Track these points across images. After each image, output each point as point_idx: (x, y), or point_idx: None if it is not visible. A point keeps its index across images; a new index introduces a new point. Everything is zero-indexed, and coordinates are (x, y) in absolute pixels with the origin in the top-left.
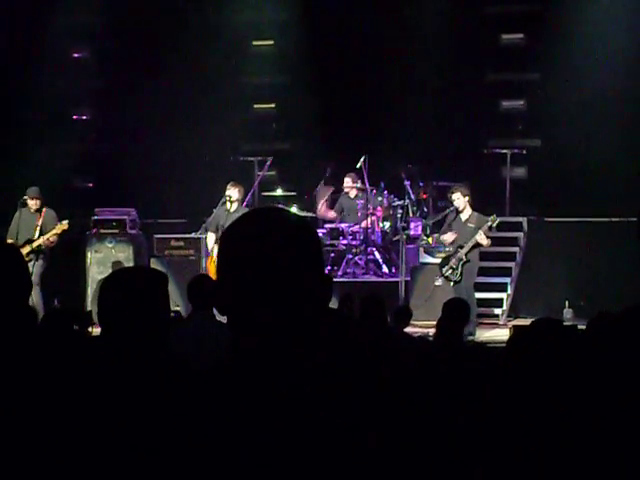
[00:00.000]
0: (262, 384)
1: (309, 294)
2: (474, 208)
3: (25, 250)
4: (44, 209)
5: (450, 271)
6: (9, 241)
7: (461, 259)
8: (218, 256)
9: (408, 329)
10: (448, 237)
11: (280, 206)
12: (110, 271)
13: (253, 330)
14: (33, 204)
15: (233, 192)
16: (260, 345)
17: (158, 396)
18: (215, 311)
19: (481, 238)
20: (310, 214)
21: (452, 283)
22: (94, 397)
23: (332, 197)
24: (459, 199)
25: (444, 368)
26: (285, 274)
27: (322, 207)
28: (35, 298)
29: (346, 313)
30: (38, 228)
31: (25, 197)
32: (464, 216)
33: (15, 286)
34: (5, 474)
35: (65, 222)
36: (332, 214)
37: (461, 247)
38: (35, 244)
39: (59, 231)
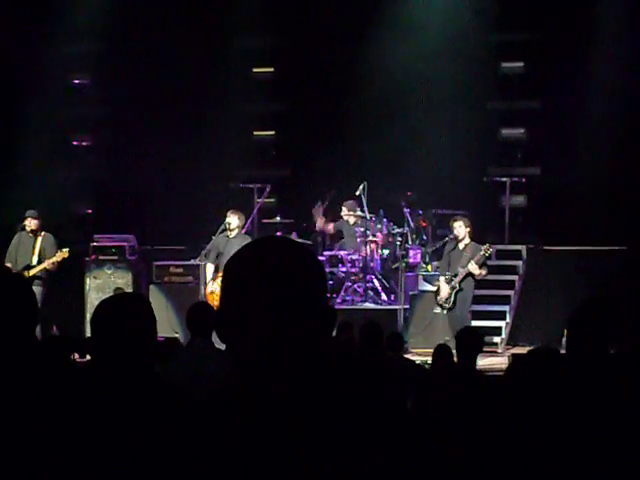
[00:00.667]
0: (260, 413)
1: (311, 324)
2: (472, 238)
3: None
4: (43, 233)
5: (444, 299)
6: (7, 265)
7: (454, 287)
8: (221, 284)
9: (407, 357)
10: (443, 293)
11: (283, 235)
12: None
13: (253, 359)
14: (29, 224)
15: (233, 219)
16: (259, 374)
17: (150, 426)
18: (214, 338)
19: (473, 268)
20: (309, 242)
21: (445, 311)
22: (84, 427)
23: (331, 219)
24: (460, 227)
25: (442, 395)
26: (288, 304)
27: (320, 222)
28: None
29: (344, 341)
30: (36, 253)
31: (24, 221)
32: (462, 245)
33: (23, 316)
34: None
35: (66, 250)
36: (331, 227)
37: (455, 275)
38: (33, 271)
39: (59, 259)
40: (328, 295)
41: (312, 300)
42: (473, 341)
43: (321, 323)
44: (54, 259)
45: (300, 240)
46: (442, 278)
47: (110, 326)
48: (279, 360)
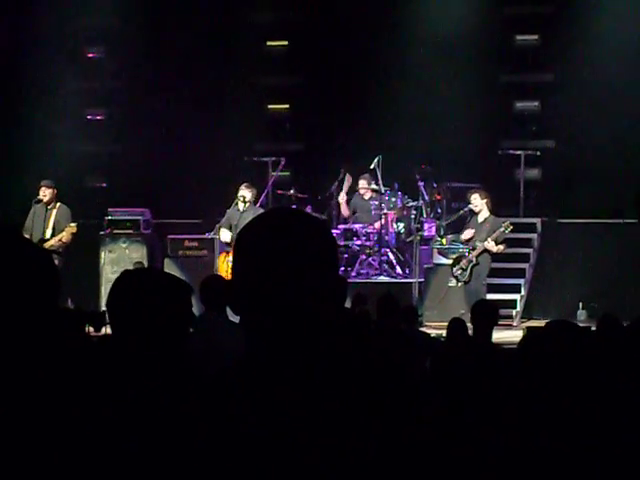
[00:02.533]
0: (274, 386)
1: (323, 294)
2: (491, 211)
3: None
4: (58, 205)
5: (460, 271)
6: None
7: (471, 261)
8: (232, 256)
9: (422, 330)
10: (466, 233)
11: (294, 207)
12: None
13: (266, 330)
14: (43, 193)
15: (246, 193)
16: (273, 346)
17: (166, 399)
18: (228, 311)
19: (490, 246)
20: (323, 216)
21: (461, 283)
22: (100, 400)
23: (347, 196)
24: (476, 200)
25: (457, 368)
26: (299, 274)
27: (342, 198)
28: None
29: (358, 313)
30: (50, 226)
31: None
32: (480, 218)
33: (44, 288)
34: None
35: (74, 225)
36: (347, 212)
37: (473, 249)
38: (46, 245)
39: (68, 234)
40: (342, 268)
41: (323, 270)
42: (488, 314)
43: (333, 293)
44: (63, 234)
45: (314, 213)
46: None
47: (138, 300)
48: (292, 331)
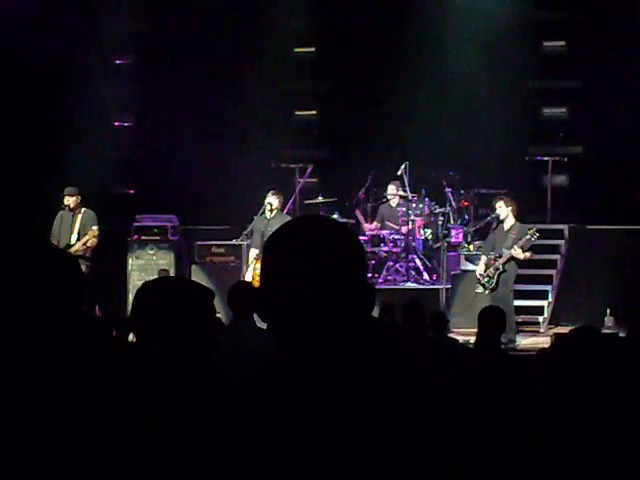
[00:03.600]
0: (302, 394)
1: (351, 302)
2: (517, 218)
3: None
4: (83, 210)
5: (487, 279)
6: None
7: (498, 268)
8: (261, 263)
9: (449, 336)
10: (481, 270)
11: (322, 214)
12: (152, 277)
13: (295, 338)
14: (67, 201)
15: (273, 200)
16: (301, 353)
17: (194, 405)
18: (256, 318)
19: (517, 253)
20: (351, 221)
21: (488, 290)
22: (127, 405)
23: (372, 207)
24: (501, 208)
25: (483, 375)
26: (328, 282)
27: (365, 225)
28: None
29: (387, 321)
30: (75, 231)
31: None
32: (506, 225)
33: (70, 294)
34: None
35: (96, 228)
36: (373, 226)
37: (500, 256)
38: (72, 250)
39: (90, 237)
40: (369, 274)
41: (351, 278)
42: (495, 320)
43: (361, 300)
44: (85, 239)
45: (342, 220)
46: (483, 258)
47: (160, 308)
48: (320, 338)
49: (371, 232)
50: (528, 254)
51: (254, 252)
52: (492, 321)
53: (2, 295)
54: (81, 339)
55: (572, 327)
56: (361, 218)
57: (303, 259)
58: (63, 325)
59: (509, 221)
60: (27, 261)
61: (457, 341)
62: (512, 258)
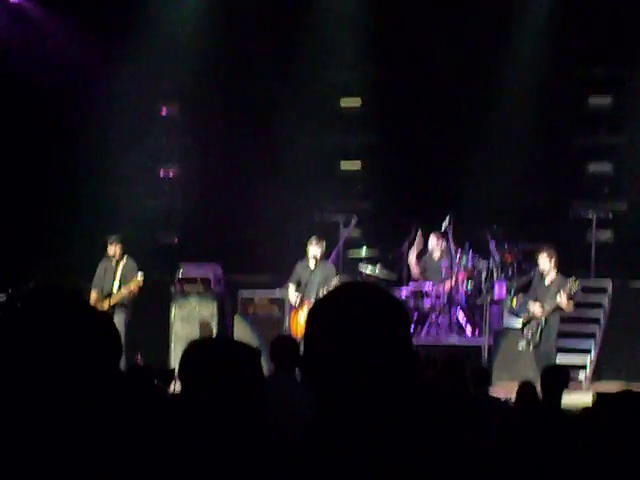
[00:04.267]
0: (344, 452)
1: (393, 368)
2: (559, 271)
3: (105, 304)
4: (124, 259)
5: (530, 334)
6: (94, 292)
7: (540, 323)
8: (306, 326)
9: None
10: (536, 310)
11: (369, 281)
12: (194, 327)
13: (337, 399)
14: (111, 250)
15: (315, 249)
16: (343, 414)
17: (237, 460)
18: (297, 371)
19: (561, 301)
20: (394, 274)
21: (531, 347)
22: (171, 455)
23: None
24: (544, 260)
25: (525, 433)
26: (371, 350)
27: (413, 258)
28: None
29: (429, 376)
30: (117, 279)
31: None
32: (548, 279)
33: (105, 351)
34: None
35: (140, 276)
36: (416, 272)
37: (543, 309)
38: (114, 299)
39: (134, 285)
40: (412, 328)
41: (395, 346)
42: (558, 379)
43: (404, 368)
44: (129, 287)
45: (386, 271)
46: (531, 301)
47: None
48: (363, 401)
49: (414, 286)
50: (571, 304)
51: (292, 288)
52: (557, 380)
53: (38, 353)
54: (117, 394)
55: (615, 383)
56: (413, 263)
57: (347, 327)
58: (99, 382)
59: (551, 275)
60: (62, 320)
61: (499, 398)
62: (555, 310)
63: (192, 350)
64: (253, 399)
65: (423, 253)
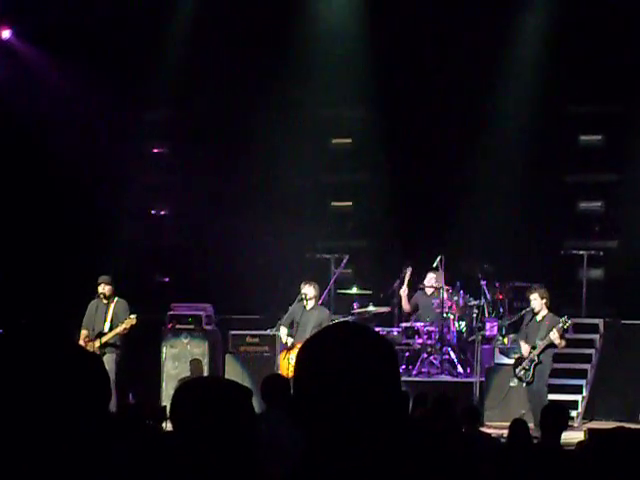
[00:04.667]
0: None
1: (384, 410)
2: (550, 309)
3: (96, 344)
4: (115, 299)
5: (522, 372)
6: (84, 332)
7: (533, 360)
8: (296, 368)
9: (482, 430)
10: (524, 351)
11: (359, 321)
12: (185, 366)
13: (327, 437)
14: (102, 289)
15: (309, 290)
16: (332, 452)
17: None
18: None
19: (555, 337)
20: (386, 309)
21: (524, 384)
22: None
23: (408, 294)
24: (536, 300)
25: (519, 471)
26: (361, 391)
27: (404, 294)
28: None
29: (419, 414)
30: (109, 319)
31: (98, 287)
32: (539, 317)
33: (94, 393)
34: None
35: (133, 317)
36: (407, 306)
37: (534, 348)
38: (105, 339)
39: (127, 326)
40: (403, 366)
41: (385, 387)
42: (558, 418)
43: (394, 409)
44: (123, 325)
45: (377, 309)
46: (522, 342)
47: (200, 412)
48: (354, 442)
49: (405, 324)
50: (563, 342)
51: (284, 330)
52: (555, 419)
53: (24, 395)
54: (106, 439)
55: (607, 422)
56: (405, 299)
57: (337, 368)
58: (87, 426)
59: (542, 313)
60: (49, 361)
61: (490, 435)
62: (547, 347)
63: (183, 389)
64: (246, 438)
65: (414, 291)
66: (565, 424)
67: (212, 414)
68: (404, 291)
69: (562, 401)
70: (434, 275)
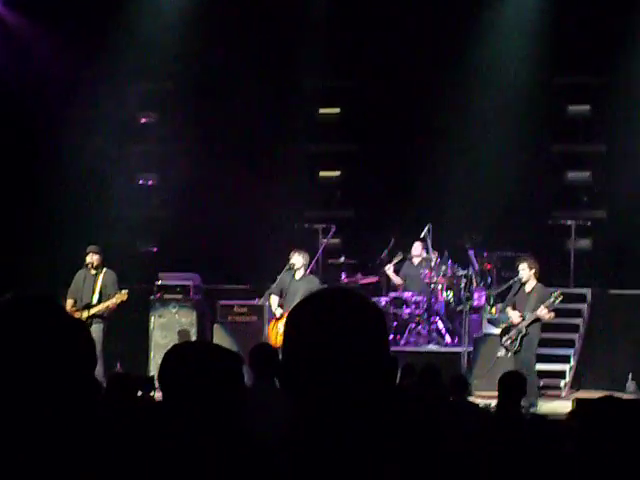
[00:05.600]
0: (322, 460)
1: (373, 375)
2: (539, 280)
3: (84, 314)
4: (104, 270)
5: (509, 341)
6: (69, 301)
7: (520, 331)
8: (284, 334)
9: (471, 399)
10: (514, 317)
11: (347, 286)
12: (174, 336)
13: (316, 404)
14: (90, 259)
15: (297, 259)
16: (322, 418)
17: (218, 468)
18: (276, 379)
19: (542, 314)
20: (374, 279)
21: (510, 354)
22: (156, 465)
23: (395, 266)
24: (524, 270)
25: (504, 440)
26: (350, 355)
27: (391, 269)
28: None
29: (407, 384)
30: (97, 291)
31: (86, 256)
32: (528, 287)
33: (79, 362)
34: None
35: (124, 292)
36: (398, 280)
37: (522, 318)
38: (93, 311)
39: (117, 301)
40: (391, 336)
41: (373, 351)
42: (516, 386)
43: (383, 373)
44: (113, 300)
45: (365, 279)
46: (509, 308)
47: (191, 374)
48: (342, 408)
49: (393, 294)
50: (552, 315)
51: (275, 298)
52: (512, 386)
53: (10, 361)
54: (91, 405)
55: (595, 391)
56: (392, 274)
57: (326, 332)
58: (72, 391)
59: (531, 283)
60: (36, 327)
61: (477, 405)
62: (535, 320)
63: (173, 353)
64: (234, 400)
65: (402, 262)
66: (523, 392)
67: (201, 378)
68: (389, 268)
69: (550, 371)
70: (421, 244)
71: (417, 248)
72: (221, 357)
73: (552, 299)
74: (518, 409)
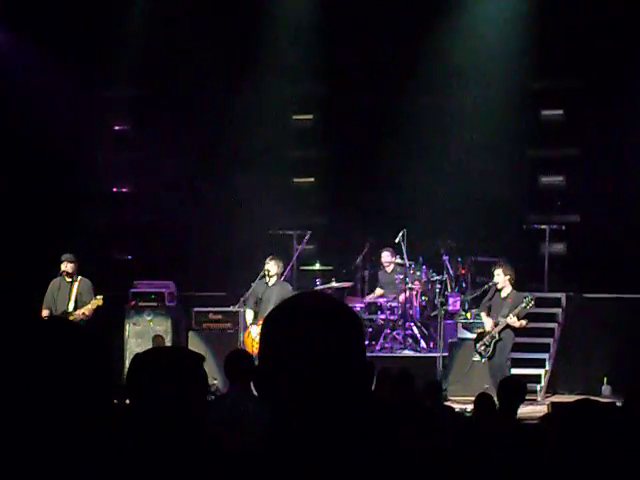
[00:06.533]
0: (296, 467)
1: (349, 380)
2: (514, 286)
3: None
4: (79, 278)
5: (483, 347)
6: (45, 311)
7: (494, 337)
8: (260, 340)
9: (447, 404)
10: (488, 325)
11: (320, 291)
12: (149, 343)
13: (292, 409)
14: (65, 267)
15: (272, 266)
16: (297, 424)
17: (185, 471)
18: (252, 386)
19: (512, 321)
20: (349, 284)
21: (484, 360)
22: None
23: (370, 274)
24: (499, 276)
25: (480, 443)
26: (325, 361)
27: (370, 296)
28: None
29: (383, 390)
30: (73, 299)
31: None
32: (504, 293)
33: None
34: None
35: (100, 297)
36: (378, 292)
37: (496, 324)
38: (70, 318)
39: (93, 307)
40: (367, 342)
41: (349, 356)
42: (515, 391)
43: (359, 378)
44: (89, 306)
45: (339, 284)
46: (483, 313)
47: (154, 380)
48: (318, 414)
49: (368, 299)
50: (524, 322)
51: (250, 313)
52: (513, 392)
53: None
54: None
55: (570, 395)
56: (373, 296)
57: (302, 338)
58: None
59: (506, 289)
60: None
61: (453, 409)
62: (508, 326)
63: (136, 361)
64: (197, 399)
65: (376, 267)
66: (522, 398)
67: (163, 381)
68: (371, 298)
69: (525, 375)
70: (388, 252)
71: (387, 256)
72: (182, 358)
73: (523, 304)
74: (515, 415)
